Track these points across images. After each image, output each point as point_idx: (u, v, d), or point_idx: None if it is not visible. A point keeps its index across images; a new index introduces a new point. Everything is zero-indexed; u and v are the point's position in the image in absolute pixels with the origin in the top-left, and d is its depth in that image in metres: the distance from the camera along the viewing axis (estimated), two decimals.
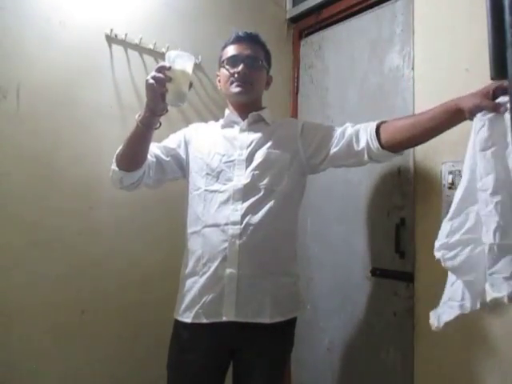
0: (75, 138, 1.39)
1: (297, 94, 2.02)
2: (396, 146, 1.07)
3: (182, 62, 1.01)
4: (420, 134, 1.02)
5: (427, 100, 1.39)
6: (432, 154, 1.35)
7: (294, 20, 2.05)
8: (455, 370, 1.23)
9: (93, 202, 1.41)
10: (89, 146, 1.42)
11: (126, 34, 1.48)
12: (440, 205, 1.29)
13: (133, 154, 1.12)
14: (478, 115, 0.86)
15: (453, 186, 1.27)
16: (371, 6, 1.70)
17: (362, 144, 1.10)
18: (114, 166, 1.15)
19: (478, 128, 0.85)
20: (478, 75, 1.21)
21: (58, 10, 1.35)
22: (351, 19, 1.79)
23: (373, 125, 1.10)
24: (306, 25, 2.01)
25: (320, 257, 1.78)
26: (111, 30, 1.46)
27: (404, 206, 1.47)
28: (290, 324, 1.19)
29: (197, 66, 1.63)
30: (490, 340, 1.17)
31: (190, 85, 1.04)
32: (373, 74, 1.65)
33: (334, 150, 1.15)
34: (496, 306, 0.87)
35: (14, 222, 1.26)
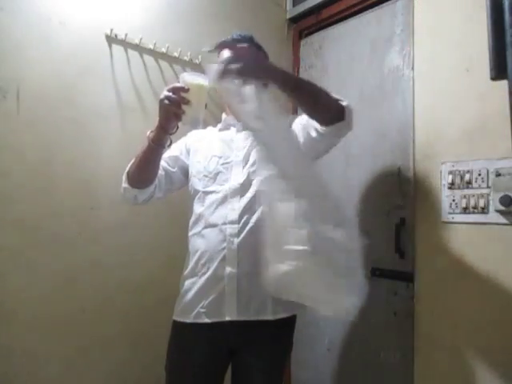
0: (75, 138, 1.39)
1: None
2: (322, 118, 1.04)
3: (197, 83, 1.01)
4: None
5: (427, 100, 1.39)
6: (432, 153, 1.35)
7: (294, 20, 2.05)
8: (455, 370, 1.23)
9: (93, 203, 1.41)
10: (89, 146, 1.42)
11: (126, 34, 1.48)
12: (440, 205, 1.29)
13: (146, 172, 1.14)
14: None
15: (453, 185, 1.27)
16: (371, 6, 1.70)
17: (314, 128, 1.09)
18: (125, 184, 1.15)
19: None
20: (478, 75, 1.23)
21: (58, 10, 1.35)
22: (351, 19, 1.79)
23: None
24: (305, 25, 2.01)
25: None
26: (111, 30, 1.46)
27: (404, 206, 1.47)
28: (291, 323, 1.19)
29: (197, 67, 1.63)
30: (489, 340, 1.17)
31: (205, 105, 1.05)
32: (373, 74, 1.65)
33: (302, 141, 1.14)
34: None
35: (14, 222, 1.26)
